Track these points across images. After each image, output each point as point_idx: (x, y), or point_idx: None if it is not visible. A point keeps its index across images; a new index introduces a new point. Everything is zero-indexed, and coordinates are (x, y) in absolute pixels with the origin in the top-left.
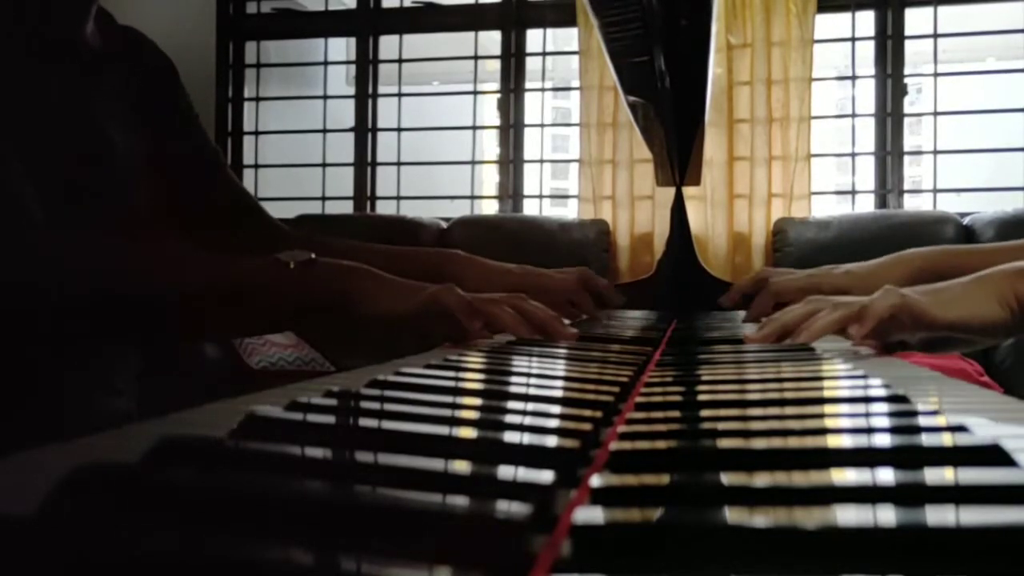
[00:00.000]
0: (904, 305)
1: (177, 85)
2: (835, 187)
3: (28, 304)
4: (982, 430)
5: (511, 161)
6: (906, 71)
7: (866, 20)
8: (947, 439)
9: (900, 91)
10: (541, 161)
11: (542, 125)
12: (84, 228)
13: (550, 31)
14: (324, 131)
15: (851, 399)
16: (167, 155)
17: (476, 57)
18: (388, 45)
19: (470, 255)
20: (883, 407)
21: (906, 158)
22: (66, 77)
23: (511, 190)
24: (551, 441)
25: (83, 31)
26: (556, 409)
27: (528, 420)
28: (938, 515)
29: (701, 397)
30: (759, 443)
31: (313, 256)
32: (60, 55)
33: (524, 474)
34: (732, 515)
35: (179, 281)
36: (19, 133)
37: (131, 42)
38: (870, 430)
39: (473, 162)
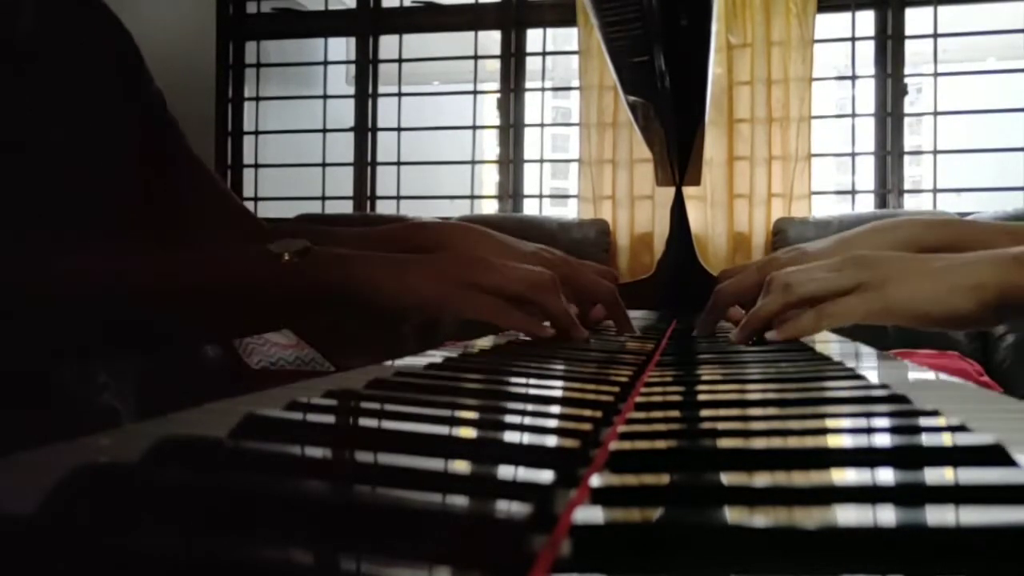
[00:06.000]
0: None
1: (140, 66)
2: (835, 187)
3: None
4: (982, 430)
5: (511, 161)
6: (906, 71)
7: (866, 20)
8: (947, 439)
9: (900, 91)
10: (541, 161)
11: (542, 125)
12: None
13: (550, 31)
14: (324, 131)
15: (851, 399)
16: (124, 145)
17: (476, 57)
18: (388, 45)
19: (485, 230)
20: (883, 407)
21: (906, 158)
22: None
23: (511, 190)
24: (551, 441)
25: (19, 25)
26: (556, 409)
27: (528, 420)
28: (938, 515)
29: (701, 397)
30: (759, 443)
31: (308, 245)
32: None
33: (524, 474)
34: (732, 515)
35: (141, 284)
36: None
37: (80, 21)
38: (870, 430)
39: (473, 162)
